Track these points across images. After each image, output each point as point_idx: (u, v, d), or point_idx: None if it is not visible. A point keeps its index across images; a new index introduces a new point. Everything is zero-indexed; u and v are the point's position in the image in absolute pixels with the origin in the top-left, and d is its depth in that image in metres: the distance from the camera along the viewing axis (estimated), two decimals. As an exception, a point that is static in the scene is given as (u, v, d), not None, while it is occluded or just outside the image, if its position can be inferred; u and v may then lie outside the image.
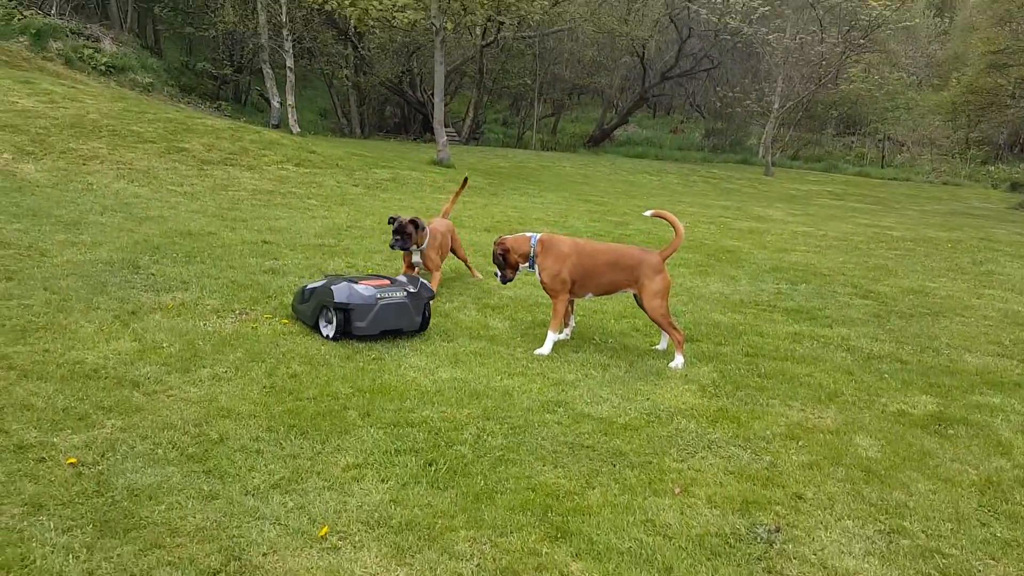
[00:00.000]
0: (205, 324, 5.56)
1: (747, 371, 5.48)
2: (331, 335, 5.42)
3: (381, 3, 17.80)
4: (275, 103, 26.92)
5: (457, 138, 33.90)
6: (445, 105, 37.54)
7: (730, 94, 35.82)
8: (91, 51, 24.59)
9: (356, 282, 5.55)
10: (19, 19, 23.67)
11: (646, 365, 5.45)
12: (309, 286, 5.76)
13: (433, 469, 3.73)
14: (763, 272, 9.26)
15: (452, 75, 35.93)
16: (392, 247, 6.77)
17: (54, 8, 25.92)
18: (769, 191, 23.40)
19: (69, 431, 3.84)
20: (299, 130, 21.65)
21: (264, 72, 28.22)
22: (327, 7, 18.70)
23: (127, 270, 6.66)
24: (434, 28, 18.60)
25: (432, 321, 6.10)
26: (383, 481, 3.61)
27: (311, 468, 3.67)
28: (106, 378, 4.49)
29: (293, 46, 23.28)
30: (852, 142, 43.66)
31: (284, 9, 22.62)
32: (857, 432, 4.58)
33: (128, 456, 3.65)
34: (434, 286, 6.54)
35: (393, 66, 33.34)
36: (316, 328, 5.57)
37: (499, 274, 5.88)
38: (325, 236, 9.00)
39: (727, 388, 5.10)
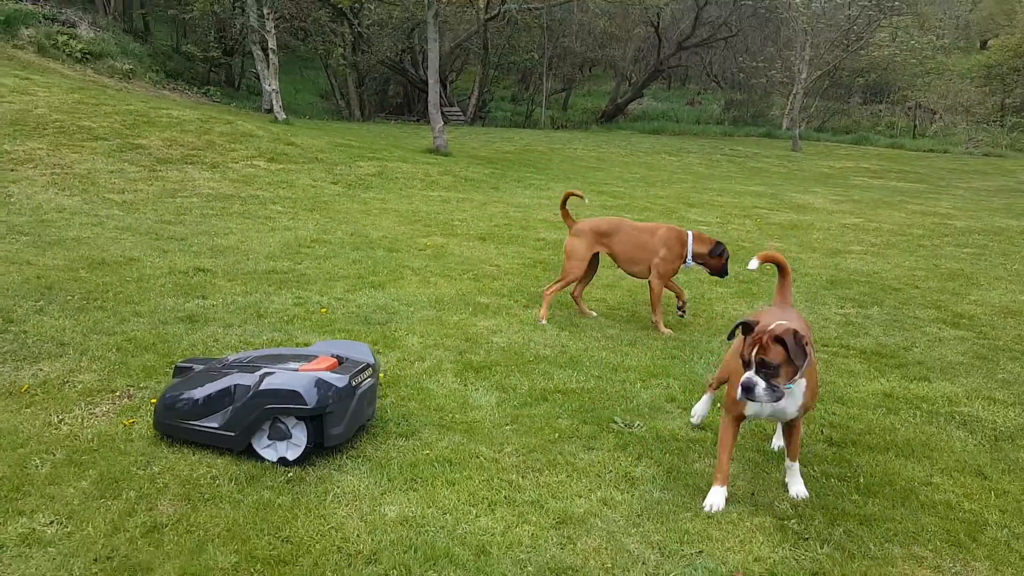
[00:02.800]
0: (61, 421, 3.90)
1: (839, 482, 3.75)
2: (295, 458, 3.57)
3: (368, -27, 15.95)
4: (266, 87, 25.15)
5: (462, 118, 32.01)
6: (451, 82, 35.70)
7: (752, 64, 33.65)
8: (66, 38, 22.92)
9: (297, 367, 3.71)
10: (-15, 5, 22.04)
11: (693, 473, 3.74)
12: (197, 393, 3.70)
13: None
14: (821, 288, 7.50)
15: (456, 51, 34.05)
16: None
17: (26, -9, 24.21)
18: (801, 170, 21.46)
19: None
20: (284, 117, 19.87)
21: (255, 54, 26.47)
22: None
23: (-8, 327, 5.02)
24: (426, 2, 16.74)
25: (394, 394, 4.43)
26: None
27: None
28: None
29: (277, 25, 21.41)
30: (880, 111, 41.32)
31: (264, -16, 20.74)
32: (1036, 611, 2.86)
33: None
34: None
35: (393, 43, 31.39)
36: (247, 452, 3.61)
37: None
38: (280, 257, 7.32)
39: (817, 522, 3.38)
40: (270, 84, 21.14)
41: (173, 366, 4.30)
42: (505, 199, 11.84)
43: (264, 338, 5.18)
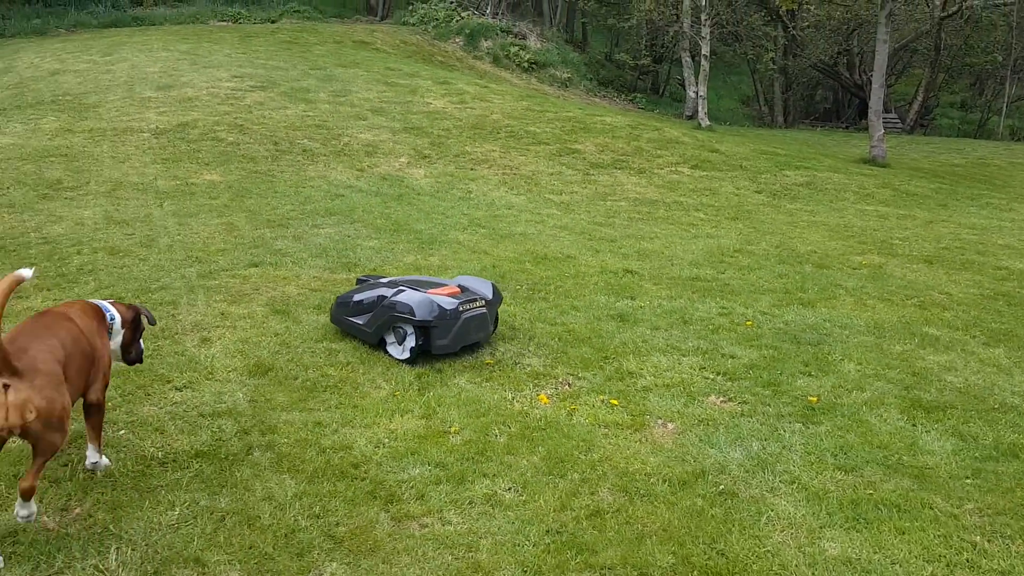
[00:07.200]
0: (514, 398, 4.32)
1: None
2: (406, 357, 4.64)
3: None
4: (691, 93, 25.56)
5: (900, 125, 29.28)
6: (888, 87, 32.86)
7: None
8: (516, 48, 25.62)
9: (424, 291, 4.80)
10: (457, 20, 25.58)
11: None
12: (357, 297, 4.96)
13: None
14: None
15: (900, 52, 31.17)
16: None
17: (488, 8, 27.55)
18: None
19: (270, 580, 2.80)
20: (708, 123, 19.98)
21: (683, 61, 27.05)
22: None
23: (461, 305, 5.74)
24: (879, 0, 15.55)
25: (829, 422, 4.15)
26: None
27: None
28: (362, 480, 3.44)
29: (711, 32, 21.57)
30: None
31: (704, -9, 21.02)
32: None
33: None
34: None
35: (828, 46, 29.79)
36: (380, 346, 4.79)
37: None
38: (703, 264, 7.33)
39: None
40: (696, 91, 21.42)
41: (356, 278, 5.66)
42: (955, 219, 10.53)
43: (689, 344, 5.21)
